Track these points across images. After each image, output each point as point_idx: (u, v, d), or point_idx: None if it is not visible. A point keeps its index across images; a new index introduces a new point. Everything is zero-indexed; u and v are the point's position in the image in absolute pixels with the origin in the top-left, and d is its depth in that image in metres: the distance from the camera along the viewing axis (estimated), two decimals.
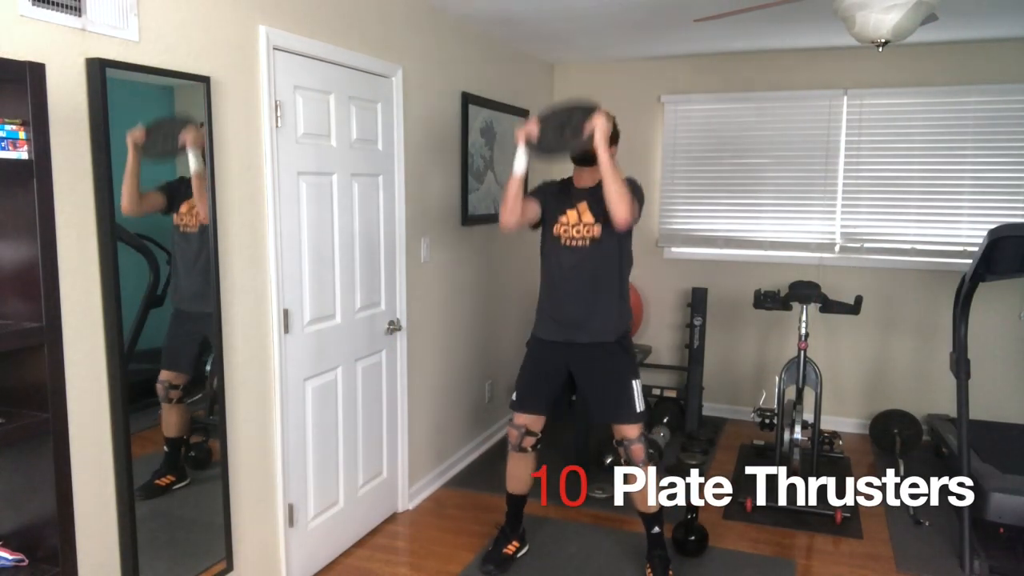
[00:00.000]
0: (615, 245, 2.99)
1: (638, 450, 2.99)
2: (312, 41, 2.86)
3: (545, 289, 3.11)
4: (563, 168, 3.21)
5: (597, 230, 2.96)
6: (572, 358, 3.06)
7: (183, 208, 2.36)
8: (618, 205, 2.80)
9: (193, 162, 2.36)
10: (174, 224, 2.36)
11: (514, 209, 2.95)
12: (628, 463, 3.02)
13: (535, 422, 3.13)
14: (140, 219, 2.23)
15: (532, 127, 2.88)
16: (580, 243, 2.99)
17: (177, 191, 2.36)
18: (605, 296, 2.99)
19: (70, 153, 1.99)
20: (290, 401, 2.90)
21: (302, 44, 2.81)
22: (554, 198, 3.07)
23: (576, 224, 2.99)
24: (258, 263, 2.68)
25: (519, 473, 3.18)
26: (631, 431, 2.99)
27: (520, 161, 2.91)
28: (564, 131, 2.86)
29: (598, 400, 3.06)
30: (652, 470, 3.02)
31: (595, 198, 2.96)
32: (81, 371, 2.07)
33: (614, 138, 2.98)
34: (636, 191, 2.97)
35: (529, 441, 3.12)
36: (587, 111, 2.82)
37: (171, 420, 2.41)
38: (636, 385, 3.02)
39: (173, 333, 2.42)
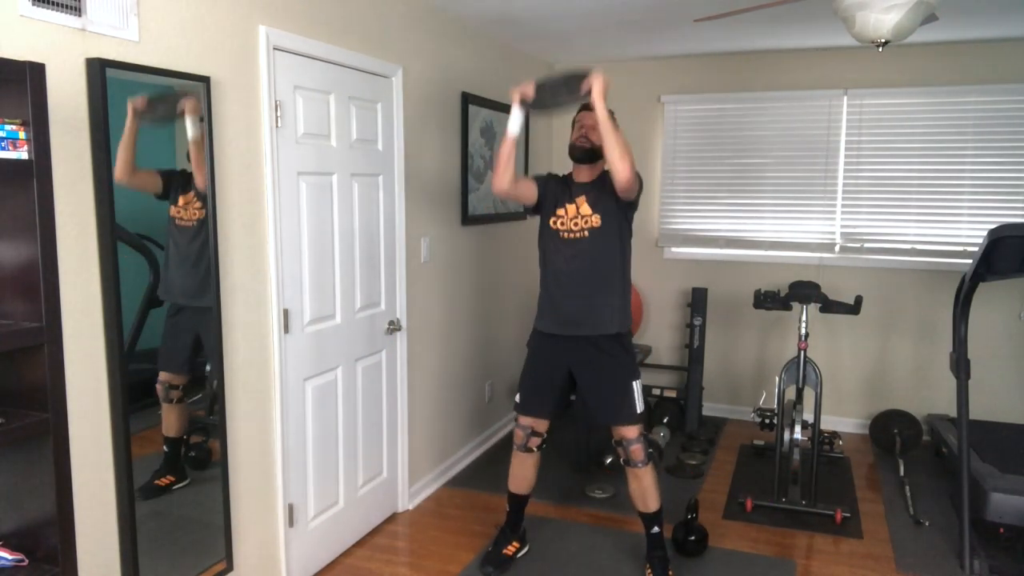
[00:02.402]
0: (615, 236, 2.97)
1: (637, 450, 2.99)
2: (312, 41, 2.86)
3: (545, 283, 3.10)
4: (565, 125, 3.16)
5: (596, 220, 2.94)
6: (573, 355, 3.04)
7: (180, 201, 2.36)
8: (620, 161, 2.75)
9: (191, 128, 2.35)
10: (170, 216, 2.35)
11: (506, 171, 2.92)
12: (627, 463, 3.03)
13: (540, 423, 3.14)
14: (140, 219, 2.23)
15: (528, 87, 2.86)
16: (579, 235, 2.96)
17: (175, 180, 2.34)
18: (605, 289, 2.98)
19: (70, 153, 1.99)
20: (290, 401, 2.90)
21: (302, 44, 2.81)
22: (553, 190, 3.06)
23: (575, 216, 2.98)
24: (258, 263, 2.69)
25: (523, 472, 3.18)
26: (630, 432, 3.00)
27: (514, 121, 2.87)
28: (561, 89, 2.83)
29: (598, 401, 3.05)
30: (651, 470, 3.03)
31: (594, 191, 2.97)
32: (81, 371, 2.07)
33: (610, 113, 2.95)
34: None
35: (535, 441, 3.13)
36: (584, 75, 2.80)
37: (171, 420, 2.41)
38: (636, 386, 3.01)
39: (168, 331, 2.42)
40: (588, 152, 2.98)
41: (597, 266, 2.97)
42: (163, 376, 2.39)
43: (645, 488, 3.03)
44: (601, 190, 2.97)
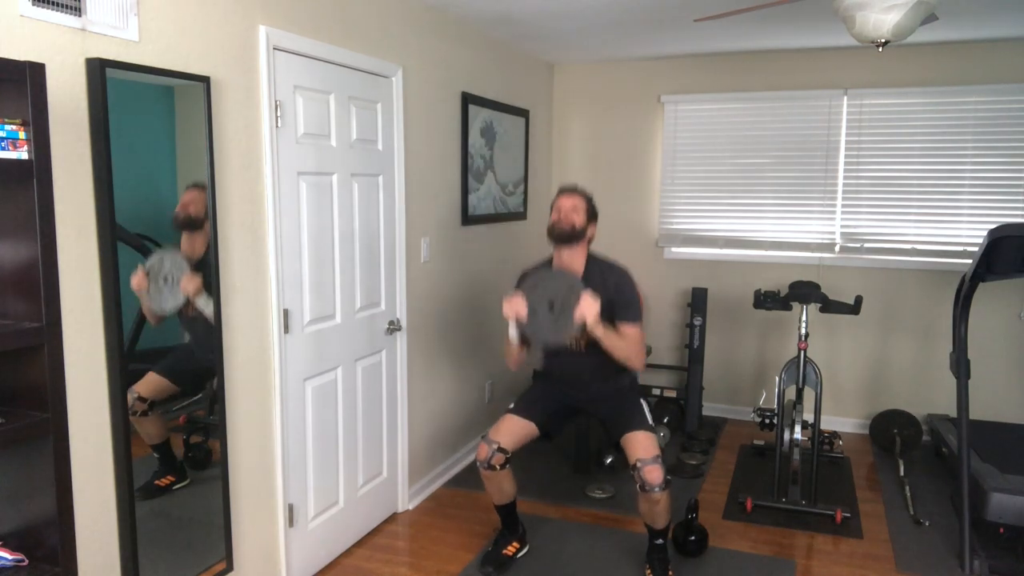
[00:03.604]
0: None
1: (653, 472, 2.80)
2: (312, 41, 2.86)
3: (546, 364, 3.14)
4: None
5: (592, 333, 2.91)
6: (580, 402, 3.15)
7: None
8: (632, 362, 2.93)
9: (204, 306, 2.44)
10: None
11: (518, 360, 3.08)
12: (643, 488, 2.83)
13: (514, 437, 3.05)
14: (140, 219, 2.23)
15: (520, 307, 2.89)
16: (576, 346, 2.99)
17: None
18: (611, 373, 3.03)
19: (70, 153, 1.99)
20: (290, 401, 2.90)
21: (302, 44, 2.81)
22: None
23: None
24: (258, 263, 2.69)
25: (497, 488, 3.12)
26: (644, 448, 2.86)
27: (513, 332, 2.99)
28: (552, 311, 2.87)
29: (610, 418, 3.09)
30: (668, 495, 2.88)
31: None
32: (81, 371, 2.07)
33: (594, 215, 3.00)
34: (636, 304, 2.99)
35: (499, 459, 3.00)
36: (571, 286, 2.84)
37: (147, 430, 2.34)
38: (644, 404, 3.08)
39: (182, 354, 2.47)
40: (569, 234, 2.94)
41: (599, 362, 2.99)
42: (137, 386, 2.26)
43: (657, 512, 2.92)
44: (592, 287, 2.91)
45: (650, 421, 3.01)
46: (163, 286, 2.31)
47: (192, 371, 2.51)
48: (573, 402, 3.17)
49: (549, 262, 3.08)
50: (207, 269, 2.45)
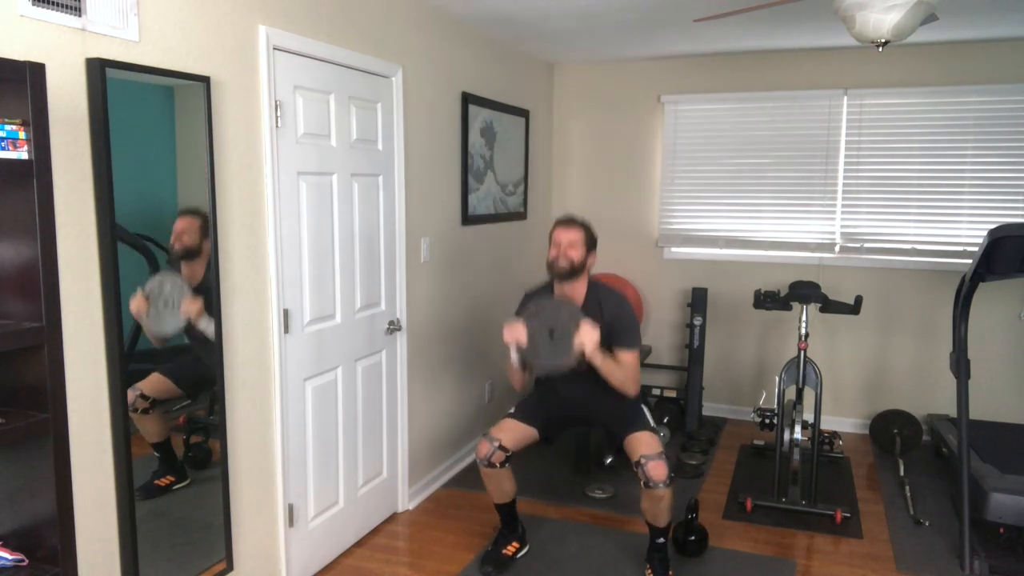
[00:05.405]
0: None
1: (657, 467, 2.82)
2: (312, 41, 2.86)
3: (544, 381, 3.11)
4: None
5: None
6: (581, 412, 3.16)
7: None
8: (627, 387, 2.91)
9: (205, 328, 2.45)
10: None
11: (521, 381, 3.07)
12: (647, 485, 2.84)
13: (515, 437, 3.07)
14: (140, 219, 2.23)
15: (520, 334, 2.89)
16: (576, 367, 2.95)
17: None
18: (608, 394, 2.98)
19: (70, 153, 1.99)
20: (290, 401, 2.90)
21: (302, 44, 2.81)
22: None
23: None
24: (258, 263, 2.69)
25: (498, 487, 3.12)
26: (647, 445, 2.88)
27: (514, 356, 2.97)
28: (551, 339, 2.87)
29: (611, 424, 3.08)
30: (671, 492, 2.89)
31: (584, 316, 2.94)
32: (81, 371, 2.07)
33: (592, 244, 2.98)
34: (634, 331, 2.98)
35: (499, 456, 3.02)
36: (571, 315, 2.84)
37: (147, 428, 2.33)
38: (645, 408, 3.08)
39: (188, 360, 2.47)
40: (569, 271, 2.93)
41: (599, 383, 2.95)
42: (141, 384, 2.28)
43: (660, 510, 2.92)
44: (591, 314, 2.91)
45: (652, 423, 3.03)
46: (163, 309, 2.31)
47: (195, 378, 2.51)
48: (574, 411, 3.17)
49: (551, 286, 3.06)
50: (208, 293, 2.45)
